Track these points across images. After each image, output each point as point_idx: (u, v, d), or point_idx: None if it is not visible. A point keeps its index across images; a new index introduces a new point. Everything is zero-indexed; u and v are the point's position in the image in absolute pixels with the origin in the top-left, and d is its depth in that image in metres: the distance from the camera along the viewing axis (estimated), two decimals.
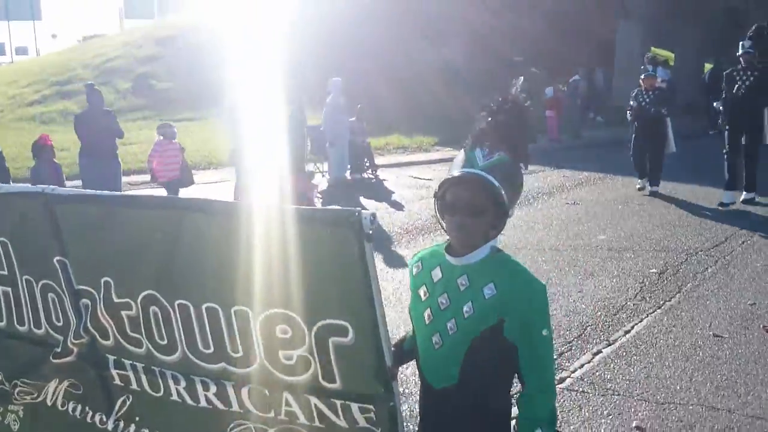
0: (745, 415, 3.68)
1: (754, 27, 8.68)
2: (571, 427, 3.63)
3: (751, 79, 8.35)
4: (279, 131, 8.60)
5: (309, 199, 10.03)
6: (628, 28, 19.79)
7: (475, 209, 1.86)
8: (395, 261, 6.90)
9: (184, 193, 8.71)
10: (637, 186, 9.97)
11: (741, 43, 8.53)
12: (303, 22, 22.68)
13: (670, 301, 5.48)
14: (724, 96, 8.85)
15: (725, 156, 8.76)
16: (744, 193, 8.73)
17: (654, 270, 6.25)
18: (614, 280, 6.01)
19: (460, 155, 1.96)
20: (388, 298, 5.37)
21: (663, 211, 8.77)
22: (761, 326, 4.86)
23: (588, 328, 4.95)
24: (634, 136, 9.82)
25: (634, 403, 3.86)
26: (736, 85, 8.46)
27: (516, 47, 24.50)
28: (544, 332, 1.90)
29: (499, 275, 1.89)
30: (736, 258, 6.59)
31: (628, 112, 9.87)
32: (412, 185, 11.44)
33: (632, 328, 4.95)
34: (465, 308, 1.89)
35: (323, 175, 11.91)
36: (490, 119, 1.93)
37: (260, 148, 8.37)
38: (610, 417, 3.72)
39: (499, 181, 1.86)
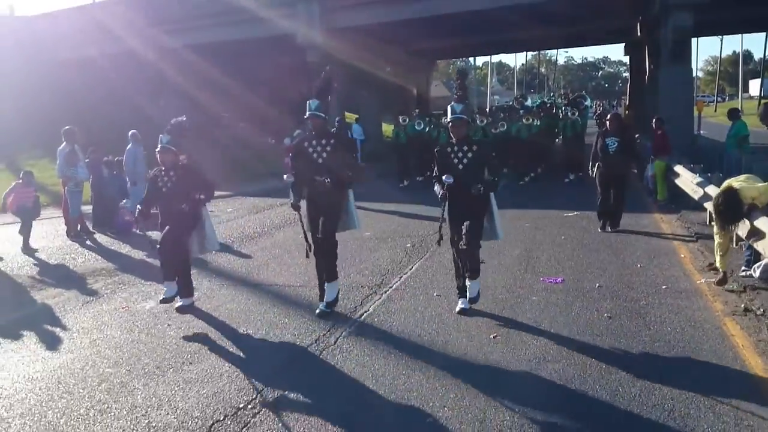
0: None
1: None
2: (393, 315, 7.00)
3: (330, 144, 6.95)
4: None
5: None
6: None
7: None
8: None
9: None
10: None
11: (308, 102, 7.03)
12: (48, 89, 27.09)
13: (421, 259, 9.23)
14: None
15: None
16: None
17: (408, 245, 10.06)
18: (389, 251, 9.60)
19: None
20: None
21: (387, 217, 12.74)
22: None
23: (386, 274, 8.48)
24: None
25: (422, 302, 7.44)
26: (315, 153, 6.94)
27: (222, 105, 28.15)
28: None
29: None
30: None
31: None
32: None
33: (412, 268, 8.55)
34: None
35: None
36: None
37: None
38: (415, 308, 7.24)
39: None
